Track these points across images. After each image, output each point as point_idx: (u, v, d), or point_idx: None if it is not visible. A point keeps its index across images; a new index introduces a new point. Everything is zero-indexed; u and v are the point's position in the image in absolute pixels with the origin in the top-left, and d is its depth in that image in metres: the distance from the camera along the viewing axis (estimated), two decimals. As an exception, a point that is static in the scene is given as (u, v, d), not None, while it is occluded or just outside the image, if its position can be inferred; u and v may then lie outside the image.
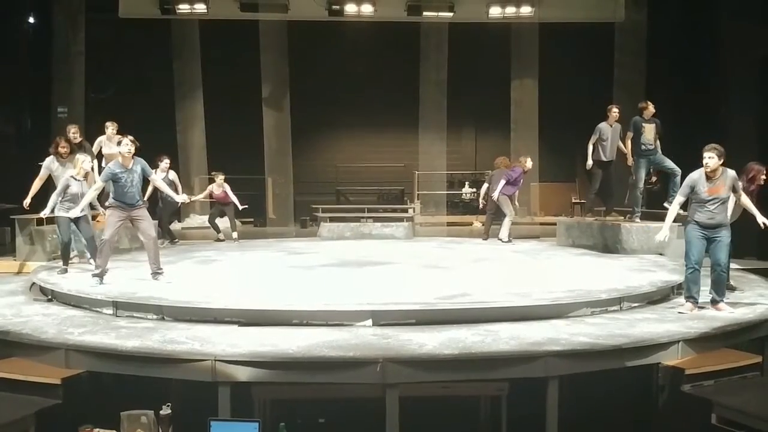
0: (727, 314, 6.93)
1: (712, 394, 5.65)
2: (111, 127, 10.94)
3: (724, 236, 6.99)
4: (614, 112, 11.10)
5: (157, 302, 6.97)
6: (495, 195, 12.03)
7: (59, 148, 9.51)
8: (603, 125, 11.09)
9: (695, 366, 5.91)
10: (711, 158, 6.90)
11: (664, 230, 7.30)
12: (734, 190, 6.98)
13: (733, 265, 10.16)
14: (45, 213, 9.01)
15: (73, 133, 10.29)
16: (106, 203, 8.27)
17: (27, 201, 9.36)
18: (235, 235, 12.81)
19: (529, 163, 12.27)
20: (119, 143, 8.09)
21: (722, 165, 6.92)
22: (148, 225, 8.13)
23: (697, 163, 7.08)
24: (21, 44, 16.01)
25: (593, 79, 17.00)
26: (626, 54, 16.83)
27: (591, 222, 11.57)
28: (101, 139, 10.99)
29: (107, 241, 7.92)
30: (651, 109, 10.55)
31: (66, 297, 7.63)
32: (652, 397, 6.06)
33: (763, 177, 7.93)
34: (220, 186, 12.76)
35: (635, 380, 6.21)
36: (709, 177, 6.95)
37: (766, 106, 11.77)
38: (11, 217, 10.81)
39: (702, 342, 6.25)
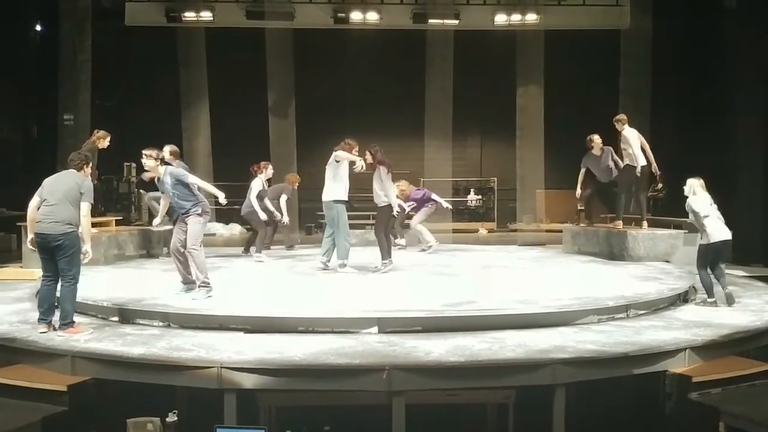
0: (730, 321, 6.90)
1: (720, 402, 5.63)
2: None
3: None
4: (591, 143, 11.14)
5: (163, 309, 6.98)
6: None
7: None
8: (585, 157, 11.24)
9: (702, 374, 5.89)
10: None
11: None
12: None
13: (739, 272, 10.21)
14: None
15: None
16: (193, 211, 7.52)
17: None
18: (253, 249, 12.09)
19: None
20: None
21: None
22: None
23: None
24: (28, 52, 16.09)
25: (599, 86, 16.98)
26: (632, 61, 16.82)
27: (597, 229, 11.55)
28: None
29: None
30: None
31: (72, 304, 7.61)
32: (660, 405, 6.04)
33: None
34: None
35: (642, 388, 6.20)
36: None
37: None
38: (17, 224, 10.83)
39: (709, 350, 6.23)
